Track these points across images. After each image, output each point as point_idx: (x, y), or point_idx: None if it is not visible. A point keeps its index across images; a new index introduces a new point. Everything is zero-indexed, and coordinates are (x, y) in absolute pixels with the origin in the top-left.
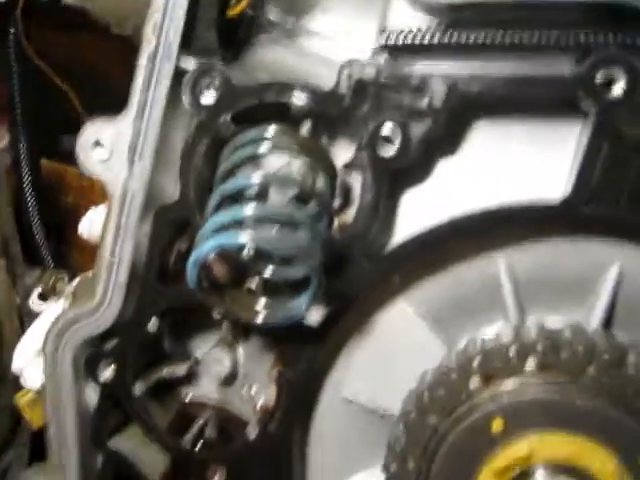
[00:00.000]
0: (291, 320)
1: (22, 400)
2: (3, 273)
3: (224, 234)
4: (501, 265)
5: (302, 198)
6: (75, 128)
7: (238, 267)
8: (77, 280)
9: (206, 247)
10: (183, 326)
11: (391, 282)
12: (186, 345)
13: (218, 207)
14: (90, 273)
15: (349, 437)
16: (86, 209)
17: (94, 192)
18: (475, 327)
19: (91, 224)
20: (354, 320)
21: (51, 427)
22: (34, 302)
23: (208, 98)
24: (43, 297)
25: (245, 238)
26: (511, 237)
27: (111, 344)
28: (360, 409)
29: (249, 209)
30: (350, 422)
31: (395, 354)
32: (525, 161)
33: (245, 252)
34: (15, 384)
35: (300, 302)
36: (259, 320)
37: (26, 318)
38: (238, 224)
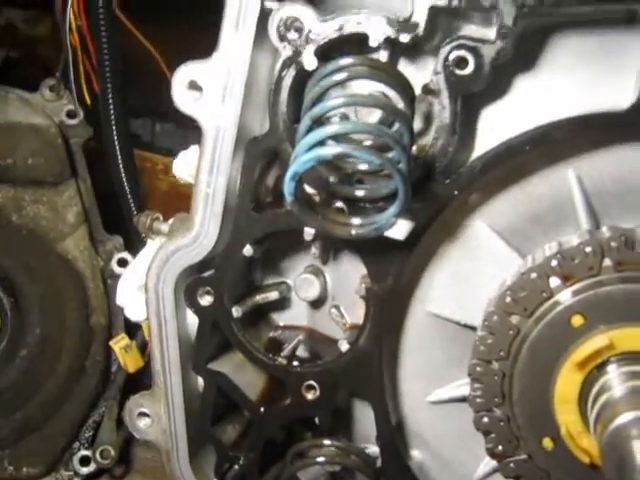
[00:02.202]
0: (380, 232)
1: (117, 346)
2: (86, 240)
3: (318, 148)
4: (571, 176)
5: (385, 118)
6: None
7: (327, 189)
8: (173, 219)
9: (303, 159)
10: (274, 254)
11: (468, 199)
12: (277, 272)
13: (308, 131)
14: (183, 213)
15: (435, 351)
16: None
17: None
18: (549, 241)
19: (184, 163)
20: (435, 236)
21: (155, 354)
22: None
23: (293, 35)
24: (123, 262)
25: (339, 149)
26: (581, 148)
27: (209, 272)
28: (444, 323)
29: (339, 126)
30: (435, 336)
31: (474, 268)
32: (594, 75)
33: (338, 166)
34: (104, 343)
35: (388, 214)
36: (351, 233)
37: (109, 280)
38: (330, 140)
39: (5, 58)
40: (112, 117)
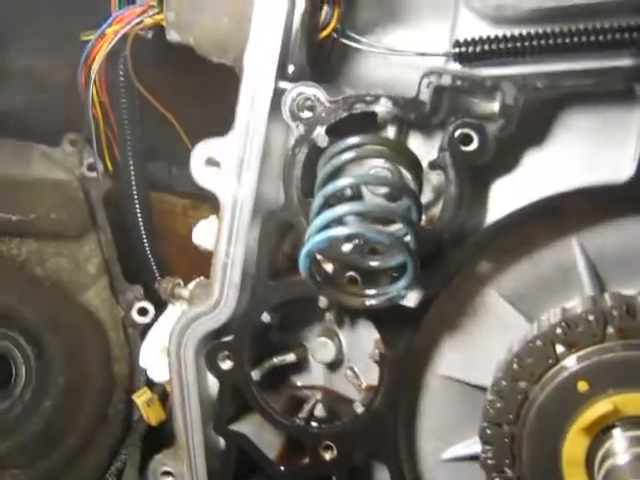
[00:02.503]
0: (392, 303)
1: (139, 400)
2: (107, 290)
3: (331, 229)
4: (575, 244)
5: (394, 194)
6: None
7: (340, 260)
8: (193, 284)
9: (317, 239)
10: (291, 319)
11: (477, 267)
12: (294, 336)
13: (321, 208)
14: (203, 278)
15: (448, 411)
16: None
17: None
18: (555, 305)
19: (204, 232)
20: (445, 303)
21: (177, 415)
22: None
23: (305, 114)
24: (143, 311)
25: (350, 230)
26: (584, 218)
27: (228, 337)
28: (456, 384)
29: (349, 207)
30: (448, 397)
31: (482, 332)
32: (595, 148)
33: (351, 242)
34: (126, 391)
35: (399, 286)
36: (364, 304)
37: (130, 329)
38: (341, 220)
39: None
40: (134, 189)
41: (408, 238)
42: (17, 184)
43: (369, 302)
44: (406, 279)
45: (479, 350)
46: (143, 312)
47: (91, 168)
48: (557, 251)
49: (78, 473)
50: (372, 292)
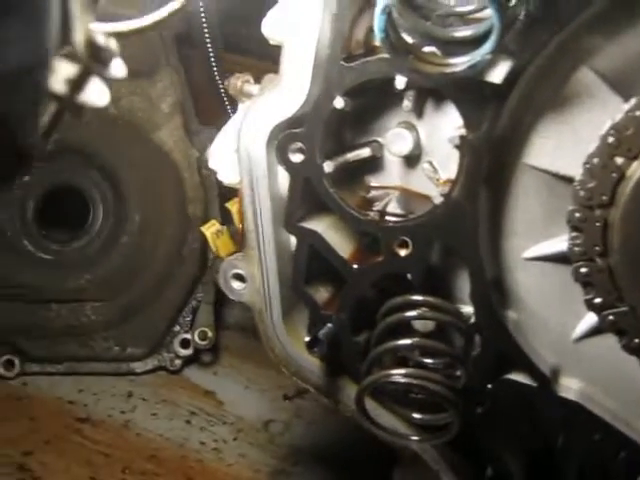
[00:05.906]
0: (475, 69)
1: (208, 231)
2: (180, 130)
3: None
4: None
5: None
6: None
7: (420, 33)
8: (264, 79)
9: None
10: (365, 113)
11: (571, 39)
12: (369, 132)
13: None
14: (272, 74)
15: (533, 206)
16: None
17: None
18: None
19: (276, 21)
20: (533, 83)
21: (248, 214)
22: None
23: None
24: None
25: None
26: None
27: (300, 129)
28: (542, 175)
29: None
30: (533, 190)
31: (574, 116)
32: None
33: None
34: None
35: (483, 50)
36: (444, 73)
37: (205, 171)
38: None
39: None
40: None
41: None
42: None
43: (450, 70)
44: (492, 40)
45: (570, 137)
46: None
47: None
48: None
49: (156, 309)
50: (453, 60)
